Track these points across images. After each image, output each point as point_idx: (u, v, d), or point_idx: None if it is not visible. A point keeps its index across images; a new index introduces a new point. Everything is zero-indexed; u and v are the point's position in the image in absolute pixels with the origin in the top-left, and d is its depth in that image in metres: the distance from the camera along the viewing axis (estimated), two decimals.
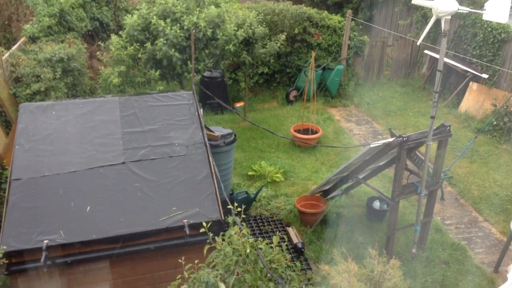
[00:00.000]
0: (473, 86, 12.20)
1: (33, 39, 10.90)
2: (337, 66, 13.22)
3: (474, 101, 12.11)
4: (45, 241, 5.21)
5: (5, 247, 5.01)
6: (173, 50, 10.21)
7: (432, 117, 6.34)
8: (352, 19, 13.49)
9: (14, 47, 10.47)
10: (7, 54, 9.86)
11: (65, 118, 7.24)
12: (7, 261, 4.95)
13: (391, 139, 6.53)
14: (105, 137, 6.96)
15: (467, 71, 12.38)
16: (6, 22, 13.74)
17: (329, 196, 8.48)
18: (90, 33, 12.99)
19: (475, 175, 9.67)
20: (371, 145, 6.64)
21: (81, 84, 10.72)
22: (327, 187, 8.33)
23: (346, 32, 13.28)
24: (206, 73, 12.13)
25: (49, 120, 7.16)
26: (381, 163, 7.61)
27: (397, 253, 7.11)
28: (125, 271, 5.68)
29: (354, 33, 13.83)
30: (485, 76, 12.01)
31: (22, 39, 10.91)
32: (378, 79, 14.39)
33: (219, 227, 5.50)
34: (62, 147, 6.74)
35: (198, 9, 11.67)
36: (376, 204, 8.24)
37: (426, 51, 13.68)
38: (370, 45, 14.12)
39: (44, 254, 5.11)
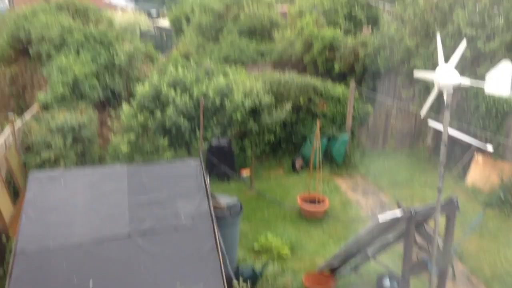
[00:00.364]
0: (479, 158, 12.26)
1: (46, 107, 11.20)
2: (342, 136, 13.40)
3: (481, 173, 12.11)
4: None
5: None
6: (182, 118, 10.45)
7: (439, 190, 6.33)
8: (356, 90, 13.84)
9: (27, 115, 10.73)
10: (19, 122, 10.10)
11: (73, 188, 7.32)
12: None
13: (398, 213, 6.49)
14: (112, 207, 7.00)
15: (472, 143, 12.46)
16: (21, 90, 14.20)
17: (337, 273, 8.29)
18: (102, 101, 13.34)
19: (486, 251, 9.48)
20: (379, 220, 6.59)
21: (91, 153, 10.88)
22: (335, 263, 8.16)
23: (350, 102, 13.58)
24: (214, 141, 12.30)
25: (57, 189, 7.24)
26: (390, 237, 7.51)
27: None
28: None
29: (358, 103, 14.13)
30: (489, 148, 12.07)
31: (35, 107, 11.20)
32: (384, 149, 14.51)
33: None
34: (69, 218, 6.76)
35: (207, 78, 12.08)
36: (386, 283, 7.99)
37: (429, 122, 13.87)
38: (374, 115, 14.38)
39: None
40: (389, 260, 8.67)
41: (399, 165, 13.58)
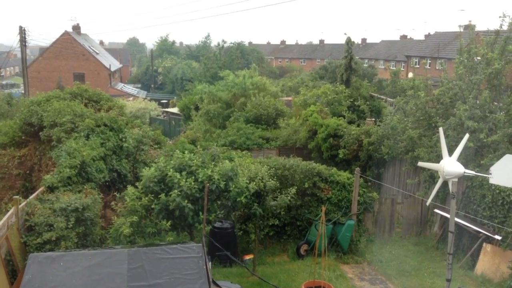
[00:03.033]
0: (487, 247, 11.97)
1: (51, 189, 11.27)
2: (347, 221, 13.25)
3: (490, 263, 11.76)
4: None
5: None
6: (186, 201, 10.43)
7: (448, 280, 6.13)
8: (361, 176, 13.90)
9: (31, 196, 10.78)
10: (23, 203, 10.12)
11: (72, 270, 7.17)
12: None
13: None
14: None
15: (480, 232, 12.27)
16: (28, 172, 14.40)
17: None
18: (107, 183, 13.44)
19: None
20: None
21: (92, 234, 10.75)
22: None
23: (355, 188, 13.58)
24: (217, 224, 12.20)
25: (56, 271, 7.10)
26: None
27: None
28: None
29: (363, 189, 14.13)
30: (498, 237, 11.85)
31: (41, 189, 11.28)
32: (390, 236, 14.25)
33: None
34: None
35: (213, 163, 12.21)
36: None
37: (436, 210, 13.76)
38: (380, 202, 14.31)
39: None
40: None
41: (407, 253, 13.25)
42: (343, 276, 11.84)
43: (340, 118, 21.01)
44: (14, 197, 10.12)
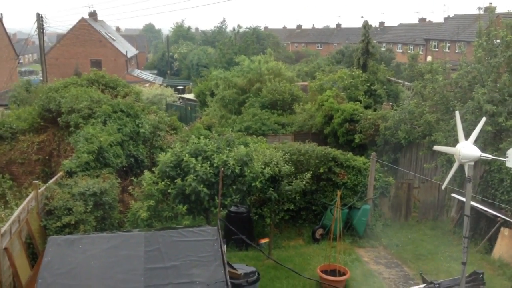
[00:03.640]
0: (505, 231, 11.85)
1: (70, 174, 11.48)
2: (363, 206, 13.21)
3: (508, 247, 11.64)
4: None
5: None
6: (201, 185, 10.53)
7: (464, 263, 6.11)
8: (377, 161, 13.82)
9: (51, 181, 11.00)
10: (43, 188, 10.34)
11: (91, 252, 7.31)
12: None
13: (422, 286, 6.24)
14: (127, 272, 6.94)
15: (497, 216, 12.14)
16: (47, 157, 14.68)
17: None
18: (125, 168, 13.63)
19: None
20: None
21: (110, 218, 10.95)
22: None
23: (371, 173, 13.52)
24: (233, 208, 12.27)
25: (75, 253, 7.24)
26: None
27: None
28: None
29: (379, 174, 14.06)
30: None
31: (60, 174, 11.50)
32: (406, 220, 14.19)
33: None
34: (84, 282, 6.72)
35: (228, 148, 12.27)
36: None
37: (453, 194, 13.63)
38: (396, 187, 14.22)
39: None
40: None
41: (423, 237, 13.19)
42: (358, 260, 11.87)
43: (357, 103, 20.84)
44: (34, 182, 10.35)
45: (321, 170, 13.77)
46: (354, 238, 13.07)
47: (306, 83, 28.87)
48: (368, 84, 23.91)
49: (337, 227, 10.82)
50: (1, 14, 39.83)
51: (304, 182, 12.24)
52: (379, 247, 12.83)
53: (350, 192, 13.80)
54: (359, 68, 27.76)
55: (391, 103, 21.69)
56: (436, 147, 7.35)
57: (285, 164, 12.27)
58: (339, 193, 11.18)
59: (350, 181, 13.89)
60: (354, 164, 14.10)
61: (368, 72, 26.52)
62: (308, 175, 12.46)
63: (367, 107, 21.18)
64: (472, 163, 6.23)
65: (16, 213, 8.56)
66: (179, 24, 77.07)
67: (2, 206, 11.56)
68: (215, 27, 75.14)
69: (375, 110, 20.27)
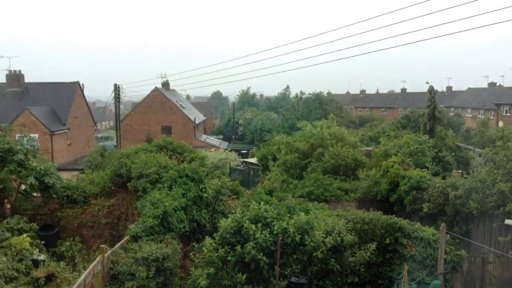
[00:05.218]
0: None
1: (135, 238, 11.82)
2: (433, 281, 12.37)
3: None
4: None
5: None
6: (261, 254, 10.41)
7: None
8: (447, 233, 13.07)
9: (117, 245, 11.36)
10: (109, 252, 10.68)
11: None
12: None
13: None
14: None
15: None
16: (115, 221, 15.27)
17: None
18: (187, 233, 13.82)
19: None
20: None
21: (171, 284, 11.02)
22: None
23: (441, 246, 12.74)
24: (293, 279, 11.89)
25: None
26: None
27: None
28: None
29: (451, 247, 13.22)
30: None
31: (126, 238, 11.87)
32: None
33: None
34: None
35: (288, 215, 12.16)
36: None
37: None
38: (469, 261, 13.27)
39: None
40: None
41: None
42: None
43: (424, 169, 20.09)
44: (101, 246, 10.74)
45: (387, 241, 13.18)
46: None
47: (370, 148, 28.43)
48: (436, 150, 23.12)
49: None
50: (82, 84, 43.35)
51: (368, 253, 11.77)
52: None
53: (419, 266, 13.00)
54: (426, 133, 27.06)
55: (461, 171, 20.74)
56: (508, 221, 6.86)
57: (348, 234, 11.91)
58: (406, 266, 10.60)
59: (419, 253, 13.12)
60: (422, 235, 13.39)
61: (435, 137, 25.75)
62: (373, 246, 12.00)
63: (435, 174, 20.35)
64: None
65: (82, 277, 8.85)
66: (244, 91, 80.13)
67: (71, 269, 12.02)
68: (279, 93, 77.26)
69: (443, 178, 19.41)
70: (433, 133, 27.57)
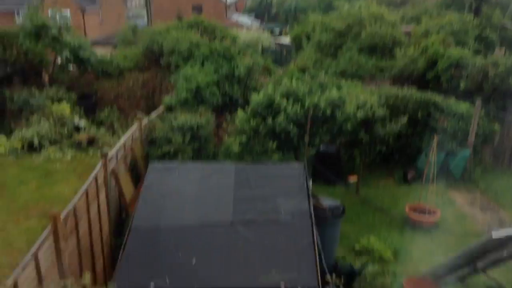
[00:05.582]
0: None
1: (170, 109, 12.23)
2: (462, 151, 12.49)
3: None
4: (152, 284, 5.56)
5: (117, 285, 5.40)
6: (291, 125, 10.65)
7: None
8: (482, 107, 12.87)
9: (153, 114, 11.82)
10: (146, 120, 11.15)
11: (186, 179, 7.90)
12: None
13: None
14: (219, 198, 7.42)
15: None
16: (150, 93, 15.72)
17: (442, 282, 7.75)
18: (220, 106, 14.17)
19: None
20: (493, 236, 6.07)
21: (206, 150, 11.57)
22: (440, 272, 7.64)
23: (475, 119, 12.63)
24: (322, 147, 12.23)
25: (172, 179, 7.87)
26: (504, 254, 6.83)
27: None
28: None
29: (484, 121, 13.10)
30: None
31: (161, 108, 12.29)
32: (509, 167, 13.21)
33: None
34: (179, 204, 7.29)
35: (320, 91, 12.15)
36: None
37: None
38: (501, 134, 13.21)
39: None
40: (501, 276, 7.87)
41: None
42: (451, 202, 11.40)
43: (465, 48, 19.22)
44: (138, 114, 11.21)
45: (419, 115, 13.13)
46: (448, 182, 12.39)
47: (409, 29, 27.10)
48: (480, 30, 21.85)
49: (431, 170, 10.41)
50: None
51: (399, 126, 11.83)
52: (476, 191, 12.15)
53: (449, 138, 13.03)
54: (471, 12, 25.44)
55: (504, 50, 19.74)
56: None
57: (379, 108, 11.90)
58: (436, 137, 10.66)
59: (450, 127, 13.07)
60: (456, 110, 13.21)
61: (480, 17, 24.17)
62: (405, 119, 12.00)
63: (477, 52, 19.48)
64: None
65: (122, 141, 9.38)
66: None
67: (111, 134, 12.71)
68: None
69: (485, 55, 18.61)
70: (478, 13, 25.86)
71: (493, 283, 6.74)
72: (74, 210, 6.54)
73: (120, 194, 8.70)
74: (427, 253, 9.07)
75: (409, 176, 12.67)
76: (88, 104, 15.09)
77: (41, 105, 13.51)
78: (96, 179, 7.60)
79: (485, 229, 10.16)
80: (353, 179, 12.23)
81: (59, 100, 14.16)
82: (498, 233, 6.09)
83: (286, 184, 7.77)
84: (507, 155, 13.19)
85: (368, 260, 8.65)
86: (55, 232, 5.77)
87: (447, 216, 10.57)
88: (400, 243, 9.39)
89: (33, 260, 5.24)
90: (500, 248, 6.33)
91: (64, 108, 13.42)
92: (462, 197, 11.85)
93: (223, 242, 6.38)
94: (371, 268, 8.40)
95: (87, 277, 5.13)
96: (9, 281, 4.70)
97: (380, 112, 11.97)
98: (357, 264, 8.55)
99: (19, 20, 29.70)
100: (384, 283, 8.06)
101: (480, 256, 6.72)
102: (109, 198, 8.11)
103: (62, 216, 5.97)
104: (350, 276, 7.86)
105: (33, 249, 5.30)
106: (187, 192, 7.63)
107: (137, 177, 9.99)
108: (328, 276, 6.28)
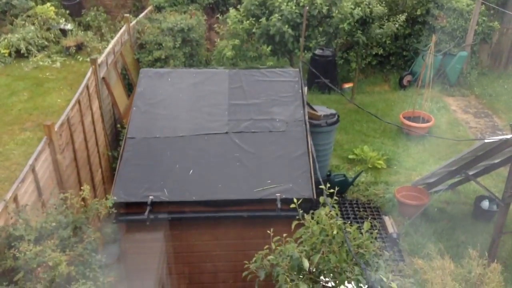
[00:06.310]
0: None
1: (159, 8, 11.64)
2: (460, 53, 12.27)
3: None
4: (150, 197, 5.63)
5: (115, 198, 5.49)
6: (286, 26, 10.24)
7: None
8: (483, 3, 12.36)
9: (141, 15, 11.28)
10: (134, 22, 10.66)
11: (179, 86, 7.71)
12: (115, 211, 5.41)
13: (509, 136, 5.97)
14: (213, 106, 7.29)
15: None
16: None
17: (433, 190, 8.04)
18: (211, 5, 13.50)
19: None
20: (486, 140, 6.14)
21: (198, 55, 11.26)
22: (432, 180, 7.89)
23: (474, 16, 12.21)
24: (317, 51, 11.99)
25: (165, 86, 7.68)
26: (496, 161, 7.01)
27: (500, 258, 6.59)
28: (218, 234, 5.97)
29: (484, 18, 12.67)
30: None
31: (149, 8, 11.69)
32: (506, 69, 13.10)
33: (310, 205, 5.50)
34: (174, 113, 7.18)
35: None
36: (485, 204, 7.66)
37: None
38: (500, 32, 12.87)
39: (148, 208, 5.52)
40: (492, 183, 8.19)
41: None
42: (445, 108, 11.48)
43: None
44: (125, 15, 10.66)
45: (418, 12, 12.66)
46: (444, 86, 12.44)
47: None
48: None
49: (427, 74, 10.29)
50: None
51: (397, 25, 11.44)
52: (471, 96, 12.19)
53: (448, 37, 12.72)
54: None
55: None
56: None
57: (378, 5, 11.39)
58: (434, 38, 10.36)
59: (449, 24, 12.69)
60: (456, 6, 12.71)
61: None
62: (403, 17, 11.57)
63: None
64: None
65: (110, 45, 9.00)
66: None
67: (99, 39, 12.23)
68: None
69: None
70: None
71: (483, 190, 6.98)
72: (68, 120, 6.46)
73: (114, 104, 8.56)
74: (419, 162, 9.28)
75: (405, 81, 12.57)
76: (73, 5, 14.28)
77: (25, 6, 12.77)
78: (87, 87, 7.42)
79: (478, 135, 10.32)
80: (348, 85, 12.13)
81: (43, 1, 13.38)
82: (490, 140, 6.15)
83: (281, 91, 7.62)
84: (504, 56, 12.97)
85: (361, 169, 8.84)
86: (50, 143, 5.74)
87: (440, 123, 10.66)
88: (393, 152, 9.55)
89: (31, 173, 5.23)
90: (492, 155, 6.46)
91: (49, 9, 12.71)
92: (456, 103, 11.88)
93: (219, 153, 6.39)
94: (364, 178, 8.64)
95: (86, 190, 5.18)
96: (9, 194, 4.75)
97: (379, 9, 11.47)
98: (350, 173, 8.77)
99: None
100: (377, 192, 8.34)
101: (472, 164, 6.88)
102: (102, 109, 7.99)
103: (56, 127, 5.91)
104: (343, 185, 8.07)
105: (29, 161, 5.26)
106: (181, 99, 7.48)
107: (129, 87, 9.78)
108: (322, 186, 6.43)
